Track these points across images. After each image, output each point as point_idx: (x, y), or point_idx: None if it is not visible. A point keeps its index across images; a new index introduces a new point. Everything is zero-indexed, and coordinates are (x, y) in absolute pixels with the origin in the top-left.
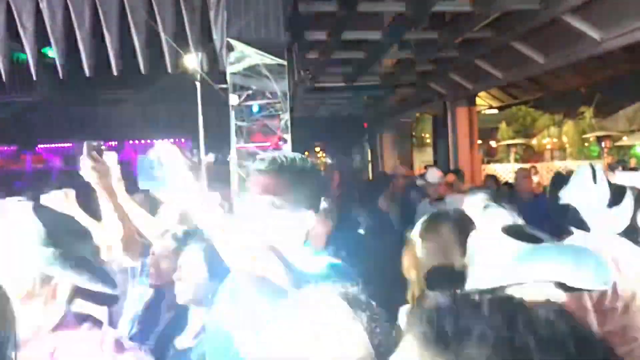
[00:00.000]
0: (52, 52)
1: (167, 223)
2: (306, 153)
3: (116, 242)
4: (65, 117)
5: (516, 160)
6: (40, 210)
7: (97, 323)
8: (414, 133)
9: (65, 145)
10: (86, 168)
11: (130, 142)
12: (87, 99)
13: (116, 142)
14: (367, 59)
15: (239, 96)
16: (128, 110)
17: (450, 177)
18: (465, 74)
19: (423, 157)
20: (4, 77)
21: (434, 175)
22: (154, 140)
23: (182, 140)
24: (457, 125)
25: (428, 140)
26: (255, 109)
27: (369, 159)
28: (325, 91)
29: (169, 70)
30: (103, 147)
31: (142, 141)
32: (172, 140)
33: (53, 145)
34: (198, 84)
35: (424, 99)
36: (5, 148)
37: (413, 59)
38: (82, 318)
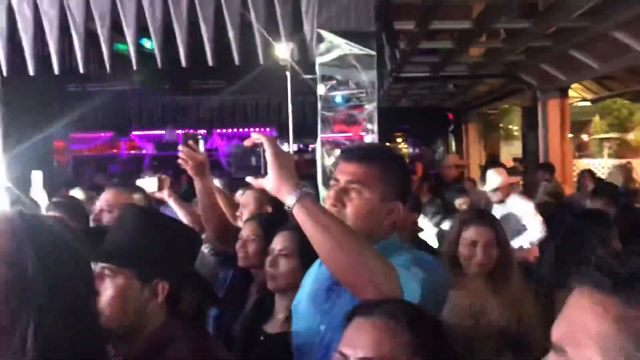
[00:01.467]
0: (148, 43)
1: (250, 208)
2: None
3: (208, 227)
4: (157, 105)
5: (609, 156)
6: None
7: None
8: (501, 125)
9: (157, 132)
10: (183, 155)
11: (218, 130)
12: (178, 89)
13: (205, 131)
14: (455, 49)
15: (326, 86)
16: (217, 99)
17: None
18: (558, 64)
19: (511, 150)
20: (108, 67)
21: (494, 179)
22: (240, 129)
23: (267, 129)
24: (548, 118)
25: (516, 133)
26: (338, 99)
27: (453, 150)
28: (410, 81)
29: (261, 60)
30: (199, 137)
31: (230, 130)
32: (257, 129)
33: (146, 132)
34: (288, 74)
35: (513, 90)
36: (103, 134)
37: (502, 49)
38: None
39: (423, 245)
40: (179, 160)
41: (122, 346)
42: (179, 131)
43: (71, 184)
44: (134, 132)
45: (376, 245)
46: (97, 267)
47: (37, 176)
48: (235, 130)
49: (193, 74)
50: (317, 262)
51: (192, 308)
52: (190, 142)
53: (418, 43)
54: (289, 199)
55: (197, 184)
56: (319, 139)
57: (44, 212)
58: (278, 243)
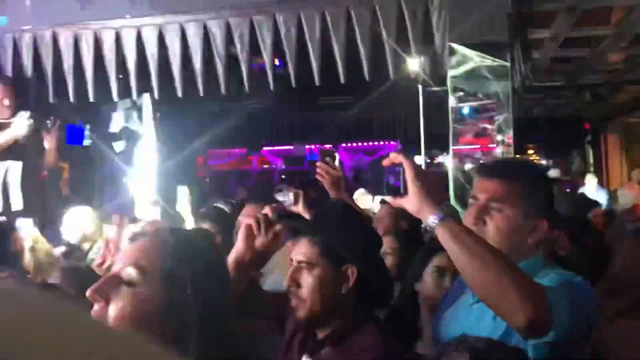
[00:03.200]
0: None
1: (385, 223)
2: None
3: None
4: (287, 121)
5: None
6: None
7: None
8: None
9: (287, 147)
10: (321, 171)
11: (344, 145)
12: (307, 105)
13: (331, 145)
14: (592, 57)
15: (457, 98)
16: (344, 114)
17: None
18: None
19: None
20: (246, 87)
21: (626, 196)
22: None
23: (392, 143)
24: None
25: None
26: (466, 110)
27: (591, 161)
28: (544, 90)
29: (391, 75)
30: (336, 155)
31: (355, 144)
32: (381, 142)
33: (276, 147)
34: (420, 88)
35: None
36: (237, 150)
37: None
38: None
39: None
40: (317, 176)
41: (319, 329)
42: (307, 146)
43: (214, 197)
44: (265, 148)
45: (519, 265)
46: (295, 260)
47: (183, 191)
48: (360, 144)
49: (322, 90)
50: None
51: None
52: (328, 158)
53: (553, 51)
54: (431, 220)
55: (332, 198)
56: (450, 152)
57: (191, 224)
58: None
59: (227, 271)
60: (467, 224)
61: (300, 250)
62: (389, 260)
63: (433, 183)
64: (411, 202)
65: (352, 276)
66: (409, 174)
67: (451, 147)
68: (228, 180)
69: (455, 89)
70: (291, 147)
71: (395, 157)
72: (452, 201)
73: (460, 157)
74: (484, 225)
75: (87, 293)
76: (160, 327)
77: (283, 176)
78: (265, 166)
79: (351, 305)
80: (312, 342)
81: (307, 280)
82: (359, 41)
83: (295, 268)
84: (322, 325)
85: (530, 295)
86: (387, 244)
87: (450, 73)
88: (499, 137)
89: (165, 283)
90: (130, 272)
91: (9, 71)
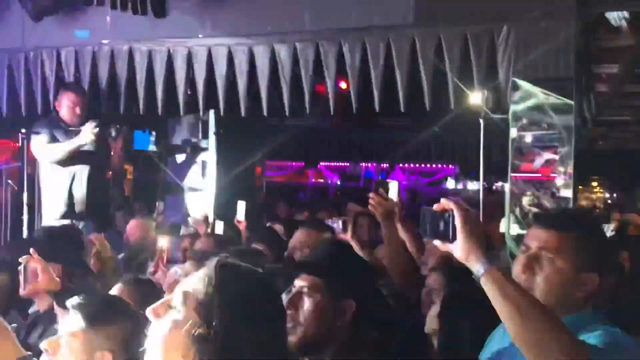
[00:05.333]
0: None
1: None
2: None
3: (393, 272)
4: (345, 139)
5: None
6: None
7: None
8: None
9: (343, 164)
10: (373, 202)
11: (401, 165)
12: (367, 124)
13: (387, 165)
14: None
15: (519, 127)
16: (401, 135)
17: None
18: None
19: None
20: (307, 108)
21: None
22: (422, 165)
23: (450, 166)
24: None
25: None
26: (529, 139)
27: None
28: (609, 124)
29: (452, 106)
30: (391, 184)
31: (413, 165)
32: (439, 165)
33: (332, 163)
34: (481, 122)
35: None
36: (295, 164)
37: None
38: None
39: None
40: (369, 207)
41: (311, 356)
42: (364, 164)
43: (268, 213)
44: (322, 163)
45: (566, 318)
46: (296, 286)
47: (241, 206)
48: (417, 165)
49: (382, 111)
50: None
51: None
52: (381, 189)
53: (622, 86)
54: (477, 268)
55: (385, 230)
56: (509, 179)
57: (246, 240)
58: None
59: (269, 308)
60: (516, 271)
61: (303, 277)
62: (435, 295)
63: (482, 231)
64: (459, 249)
65: (350, 311)
66: (459, 221)
67: (510, 175)
68: (282, 192)
69: (517, 118)
70: (347, 164)
71: (446, 203)
72: (511, 227)
73: (518, 185)
74: (533, 276)
75: (147, 310)
76: (187, 352)
77: (339, 192)
78: (321, 181)
79: (347, 336)
80: None
81: (306, 306)
82: (421, 71)
83: (296, 293)
84: (314, 352)
85: (571, 354)
86: (434, 280)
87: (513, 108)
88: (560, 168)
89: (198, 309)
90: (174, 296)
91: (86, 82)
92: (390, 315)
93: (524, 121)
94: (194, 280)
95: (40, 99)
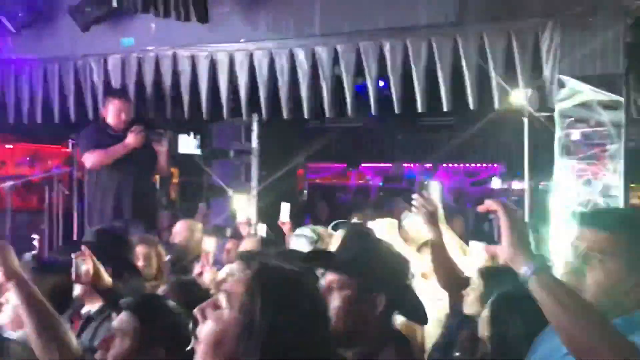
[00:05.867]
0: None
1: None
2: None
3: (437, 273)
4: (387, 139)
5: None
6: None
7: None
8: None
9: (386, 165)
10: (417, 204)
11: (444, 165)
12: (409, 124)
13: (431, 165)
14: None
15: (566, 125)
16: (444, 135)
17: None
18: None
19: None
20: (349, 110)
21: None
22: (467, 165)
23: (495, 165)
24: None
25: None
26: (576, 136)
27: None
28: None
29: (496, 106)
30: (435, 185)
31: (456, 165)
32: (484, 165)
33: (375, 164)
34: (525, 121)
35: None
36: (336, 165)
37: None
38: None
39: None
40: (413, 208)
41: (345, 348)
42: (406, 165)
43: (310, 215)
44: (364, 164)
45: (617, 321)
46: (326, 280)
47: (285, 207)
48: (461, 165)
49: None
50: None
51: None
52: (424, 192)
53: None
54: (524, 271)
55: (429, 231)
56: (555, 178)
57: (290, 239)
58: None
59: (313, 309)
60: (564, 274)
61: (332, 273)
62: (472, 296)
63: (528, 233)
64: (505, 251)
65: (380, 305)
66: (504, 223)
67: (556, 173)
68: (323, 193)
69: (563, 116)
70: (389, 165)
71: (491, 204)
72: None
73: (565, 184)
74: (582, 278)
75: (195, 310)
76: (232, 351)
77: (382, 193)
78: (363, 182)
79: (377, 330)
80: None
81: (336, 300)
82: (464, 70)
83: (327, 287)
84: (344, 346)
85: (623, 357)
86: (474, 282)
87: (559, 106)
88: (609, 166)
89: (242, 310)
90: (220, 296)
91: (132, 88)
92: (421, 309)
93: (571, 119)
94: (238, 281)
95: (90, 106)
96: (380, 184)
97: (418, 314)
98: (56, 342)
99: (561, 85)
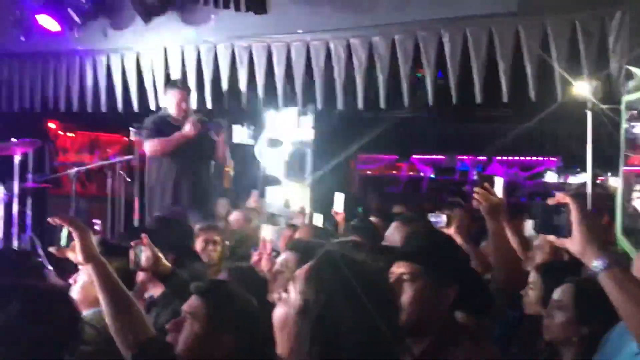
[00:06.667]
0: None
1: (545, 252)
2: None
3: (500, 266)
4: (440, 131)
5: None
6: None
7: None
8: None
9: (437, 157)
10: (479, 198)
11: (499, 158)
12: (463, 116)
13: (485, 158)
14: None
15: (631, 117)
16: (499, 127)
17: None
18: None
19: None
20: (406, 100)
21: None
22: (523, 157)
23: (553, 159)
24: None
25: None
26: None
27: None
28: None
29: (559, 97)
30: (497, 179)
31: (511, 158)
32: (541, 158)
33: (426, 156)
34: (589, 114)
35: None
36: (386, 156)
37: None
38: None
39: None
40: (474, 202)
41: (414, 343)
42: (459, 157)
43: (364, 206)
44: (415, 156)
45: None
46: (395, 271)
47: (339, 197)
48: (516, 158)
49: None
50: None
51: None
52: (487, 184)
53: None
54: (596, 264)
55: (490, 226)
56: (620, 173)
57: (343, 232)
58: (556, 294)
59: (382, 298)
60: (636, 268)
61: (401, 264)
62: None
63: (600, 226)
64: (575, 244)
65: (451, 297)
66: (575, 216)
67: (621, 168)
68: (374, 185)
69: (630, 108)
70: (442, 157)
71: (562, 197)
72: (619, 229)
73: (630, 178)
74: None
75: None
76: (302, 336)
77: (433, 185)
78: (413, 174)
79: (450, 322)
80: (409, 358)
81: (408, 292)
82: (526, 61)
83: (397, 279)
84: (416, 338)
85: None
86: (533, 278)
87: (627, 98)
88: None
89: (307, 295)
90: (290, 282)
91: (192, 79)
92: (491, 302)
93: (636, 111)
94: (306, 268)
95: (151, 95)
96: (432, 176)
97: (484, 309)
98: (131, 323)
99: (629, 76)
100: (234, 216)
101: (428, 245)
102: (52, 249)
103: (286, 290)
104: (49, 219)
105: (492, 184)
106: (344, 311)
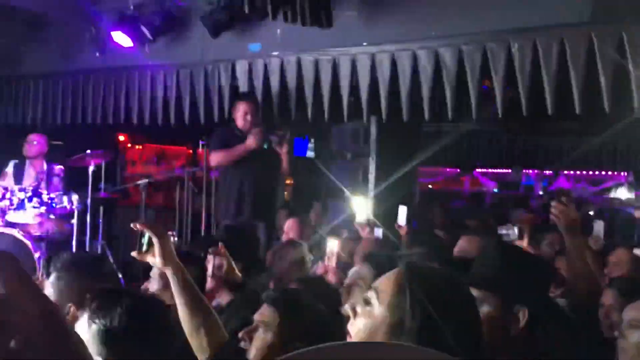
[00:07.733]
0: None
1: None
2: None
3: (577, 280)
4: (505, 144)
5: None
6: None
7: None
8: None
9: (501, 170)
10: (556, 212)
11: (565, 172)
12: (528, 129)
13: (551, 172)
14: None
15: None
16: (567, 141)
17: None
18: None
19: None
20: (474, 112)
21: None
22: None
23: (622, 174)
24: None
25: None
26: None
27: None
28: None
29: (636, 109)
30: (572, 193)
31: (578, 172)
32: (610, 172)
33: (489, 170)
34: None
35: None
36: (449, 169)
37: None
38: None
39: None
40: (551, 216)
41: None
42: (524, 171)
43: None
44: (478, 170)
45: None
46: None
47: (402, 211)
48: (584, 172)
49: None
50: None
51: None
52: (564, 198)
53: None
54: None
55: (569, 241)
56: None
57: (406, 245)
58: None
59: (467, 311)
60: None
61: (473, 289)
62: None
63: None
64: None
65: (523, 318)
66: None
67: None
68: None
69: None
70: (505, 171)
71: None
72: None
73: None
74: None
75: (345, 307)
76: None
77: (496, 200)
78: (476, 187)
79: (521, 346)
80: None
81: None
82: (600, 71)
83: None
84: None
85: None
86: (611, 295)
87: None
88: None
89: (391, 307)
90: (369, 293)
91: (259, 91)
92: (566, 322)
93: None
94: (389, 279)
95: (217, 109)
96: (495, 190)
97: (563, 329)
98: (206, 327)
99: None
100: (289, 224)
101: (496, 268)
102: (133, 254)
103: (366, 302)
104: (132, 225)
105: (570, 198)
106: (443, 325)
